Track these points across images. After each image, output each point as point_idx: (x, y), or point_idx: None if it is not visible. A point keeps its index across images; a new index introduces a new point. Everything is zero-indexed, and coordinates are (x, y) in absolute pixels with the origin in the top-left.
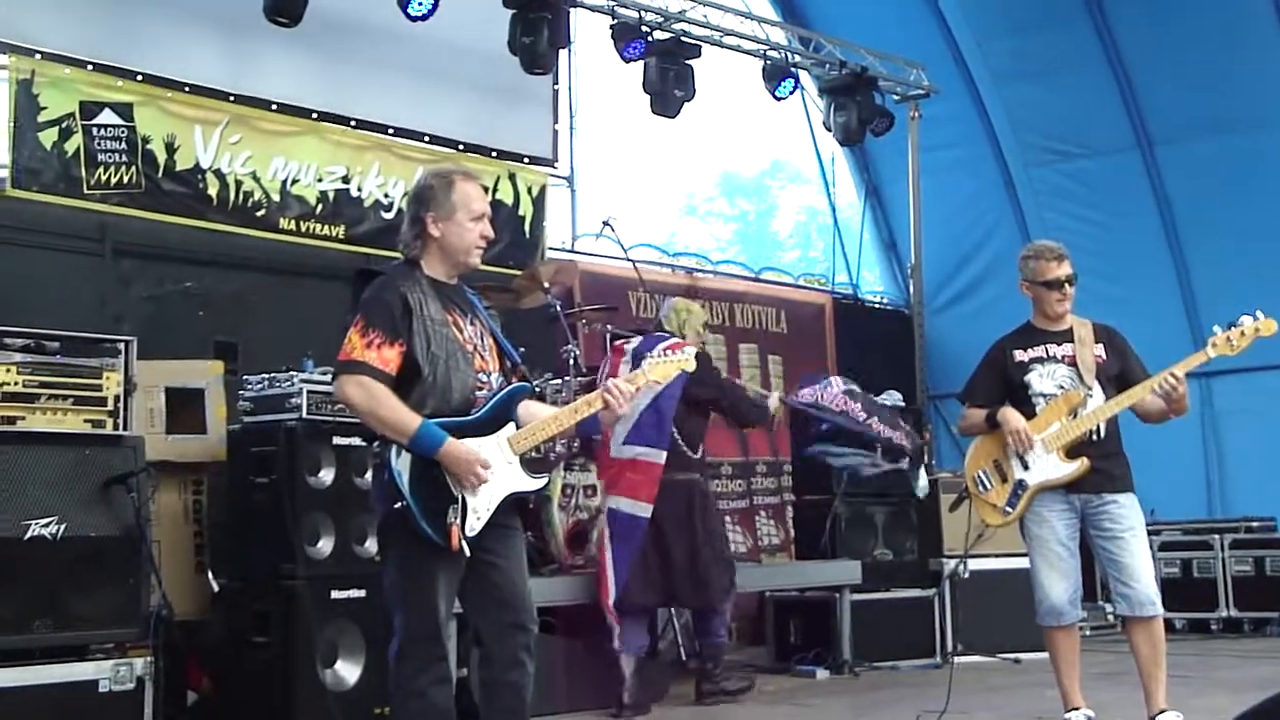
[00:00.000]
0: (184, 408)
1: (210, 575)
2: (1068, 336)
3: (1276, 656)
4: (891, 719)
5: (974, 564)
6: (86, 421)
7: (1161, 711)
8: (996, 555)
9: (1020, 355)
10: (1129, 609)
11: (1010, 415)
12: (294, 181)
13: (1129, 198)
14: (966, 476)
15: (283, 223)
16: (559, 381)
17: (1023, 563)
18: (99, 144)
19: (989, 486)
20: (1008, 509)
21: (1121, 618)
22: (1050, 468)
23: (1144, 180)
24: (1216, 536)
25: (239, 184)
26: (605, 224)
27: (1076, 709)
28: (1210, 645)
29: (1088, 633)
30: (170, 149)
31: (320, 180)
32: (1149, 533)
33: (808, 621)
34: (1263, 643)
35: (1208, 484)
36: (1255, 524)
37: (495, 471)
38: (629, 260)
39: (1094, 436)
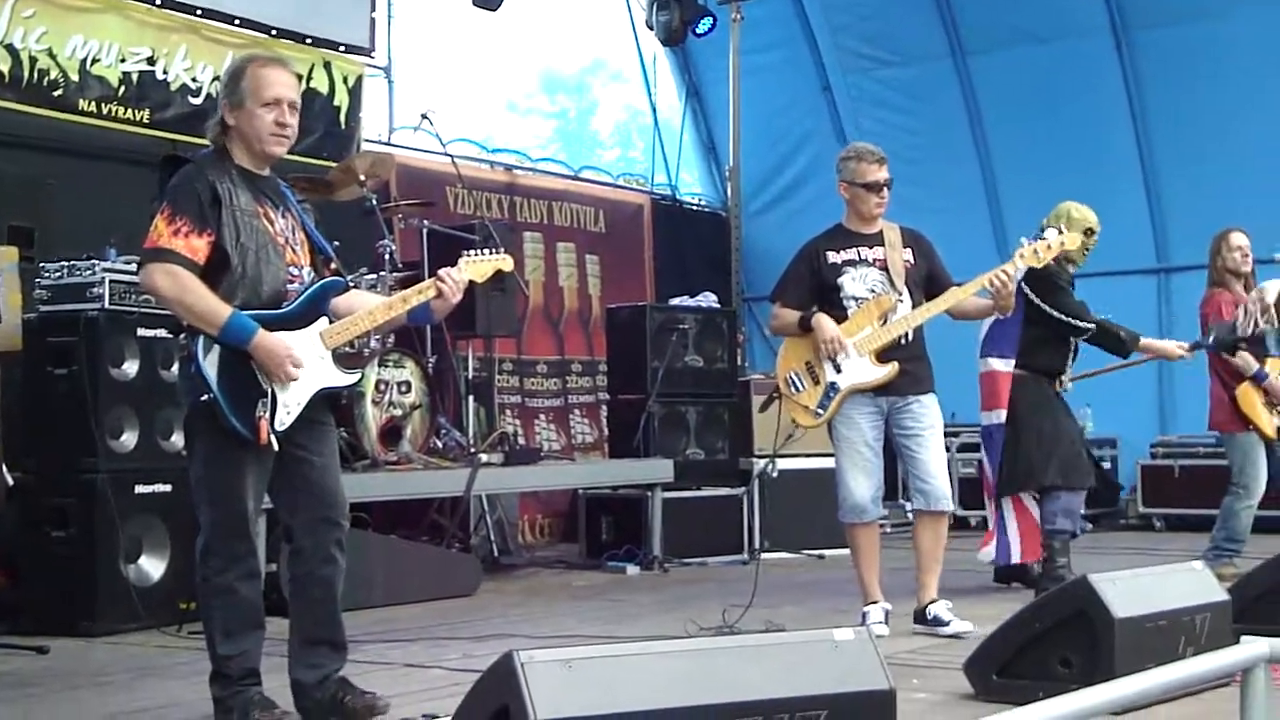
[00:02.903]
0: None
1: (4, 469)
2: (879, 240)
3: None
4: (699, 613)
5: (782, 464)
6: None
7: (933, 601)
8: (804, 455)
9: (833, 257)
10: (925, 503)
11: (824, 322)
12: (94, 61)
13: (941, 106)
14: (778, 377)
15: (82, 104)
16: (374, 277)
17: (829, 463)
18: None
19: (801, 388)
20: (819, 411)
21: (914, 511)
22: (862, 371)
23: (956, 90)
24: None
25: (33, 61)
26: (423, 117)
27: (875, 602)
28: None
29: (888, 530)
30: None
31: (123, 61)
32: (950, 434)
33: (620, 518)
34: None
35: None
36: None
37: (307, 366)
38: (447, 155)
39: (902, 340)
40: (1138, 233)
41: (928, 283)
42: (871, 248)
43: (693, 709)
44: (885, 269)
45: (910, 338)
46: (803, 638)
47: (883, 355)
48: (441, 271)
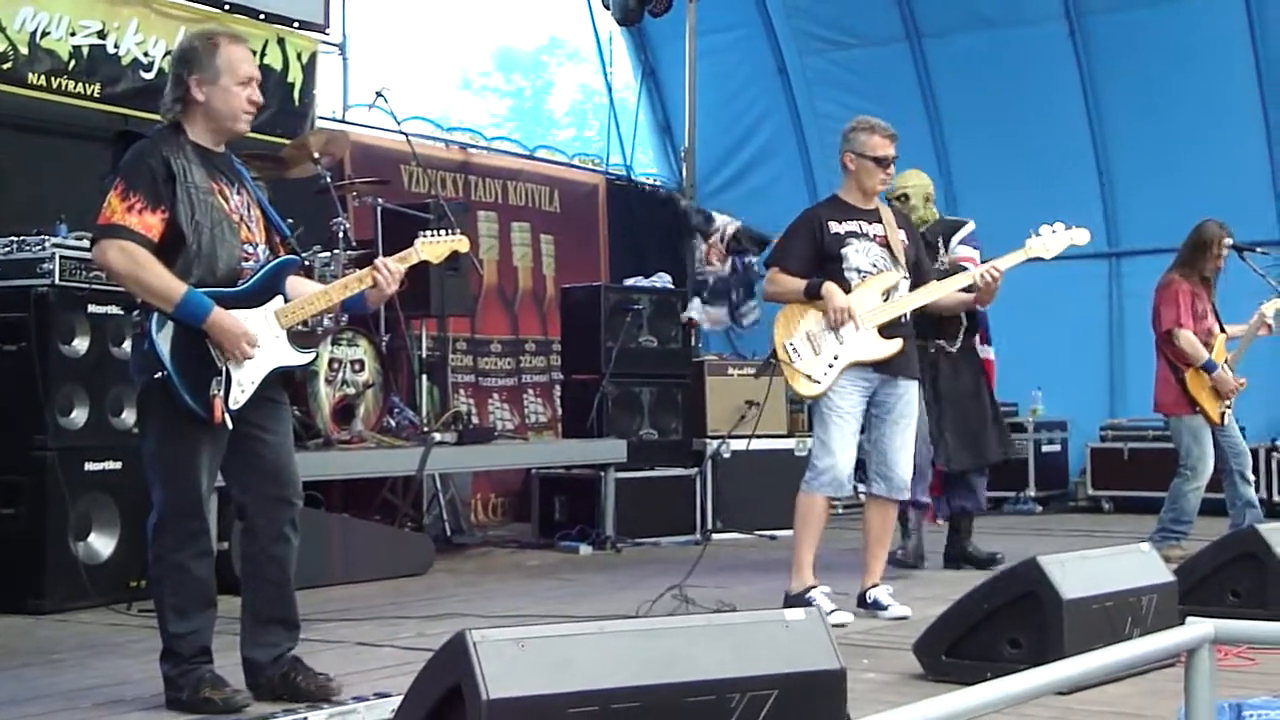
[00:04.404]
0: None
1: None
2: (876, 216)
3: (1010, 533)
4: (650, 593)
5: (734, 444)
6: None
7: (875, 585)
8: (756, 436)
9: (836, 227)
10: (885, 490)
11: (836, 291)
12: (44, 34)
13: (897, 89)
14: (777, 344)
15: (32, 78)
16: (328, 255)
17: (781, 444)
18: None
19: (801, 356)
20: (819, 380)
21: (867, 494)
22: (866, 345)
23: (911, 73)
24: None
25: None
26: (378, 95)
27: (814, 586)
28: None
29: (839, 510)
30: None
31: (73, 34)
32: None
33: (573, 498)
34: (999, 520)
35: None
36: (1003, 410)
37: (261, 344)
38: (402, 133)
39: (902, 319)
40: (1089, 216)
41: (915, 268)
42: (871, 223)
43: (644, 688)
44: (886, 245)
45: (907, 318)
46: (754, 618)
47: (884, 331)
48: (379, 261)
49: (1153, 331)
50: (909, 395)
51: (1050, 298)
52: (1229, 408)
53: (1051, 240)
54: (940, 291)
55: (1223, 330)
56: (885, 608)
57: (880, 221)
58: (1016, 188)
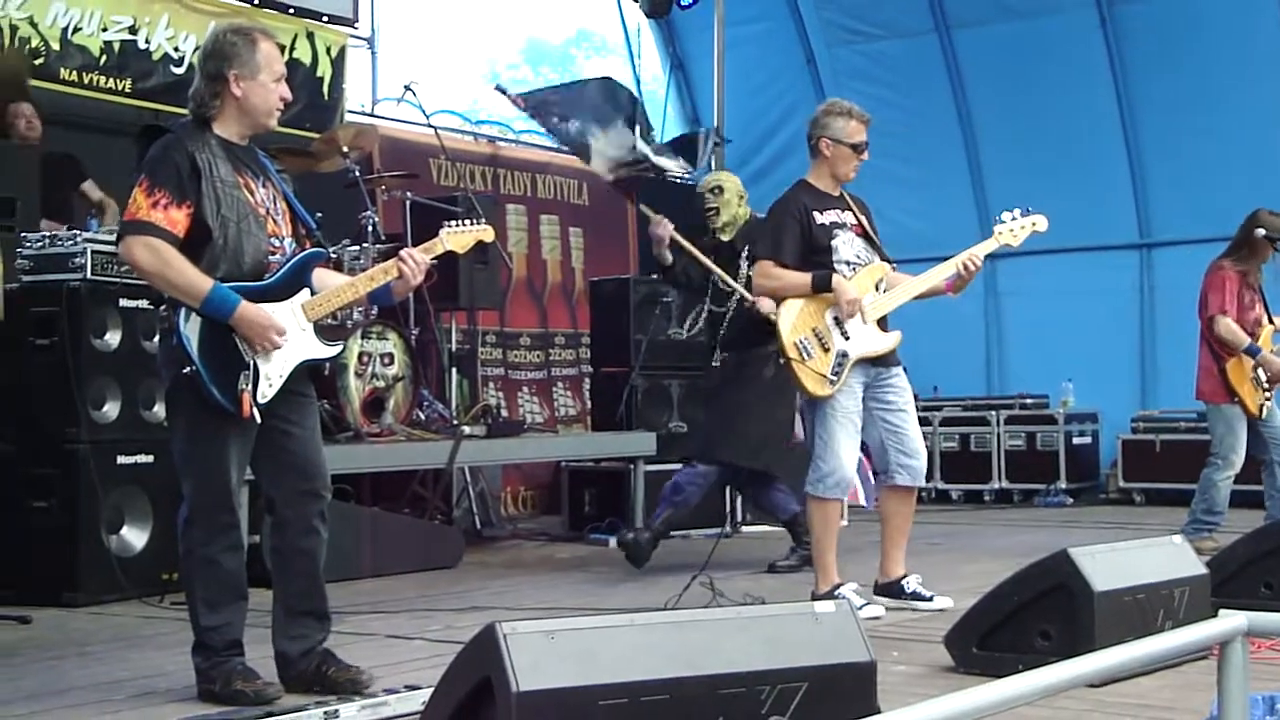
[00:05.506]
0: None
1: None
2: (846, 204)
3: (1040, 525)
4: (679, 586)
5: None
6: None
7: (906, 575)
8: None
9: (820, 218)
10: (908, 479)
11: (846, 284)
12: (75, 30)
13: (926, 81)
14: (786, 343)
15: (64, 73)
16: (356, 248)
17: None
18: None
19: (811, 355)
20: (833, 378)
21: (889, 485)
22: (870, 339)
23: (940, 64)
24: (993, 412)
25: (14, 29)
26: (407, 88)
27: (842, 583)
28: (982, 515)
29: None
30: None
31: (105, 30)
32: (933, 408)
33: (602, 491)
34: (1029, 512)
35: (987, 362)
36: (1029, 401)
37: (289, 338)
38: (430, 127)
39: None
40: (1120, 207)
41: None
42: (842, 212)
43: (674, 680)
44: (864, 235)
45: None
46: (784, 610)
47: (880, 323)
48: (404, 252)
49: (1198, 319)
50: (901, 382)
51: (1081, 289)
52: (1269, 399)
53: (1015, 227)
54: (929, 282)
55: (1271, 321)
56: (928, 599)
57: (850, 209)
58: (1047, 180)
